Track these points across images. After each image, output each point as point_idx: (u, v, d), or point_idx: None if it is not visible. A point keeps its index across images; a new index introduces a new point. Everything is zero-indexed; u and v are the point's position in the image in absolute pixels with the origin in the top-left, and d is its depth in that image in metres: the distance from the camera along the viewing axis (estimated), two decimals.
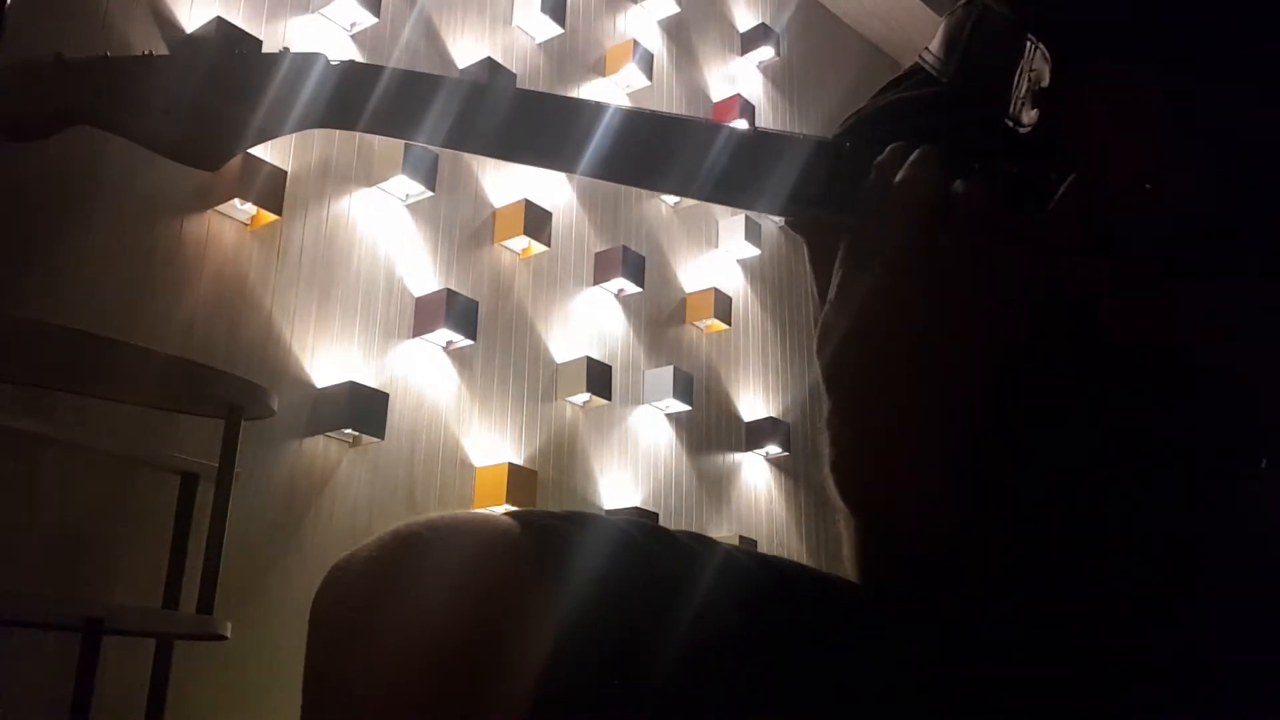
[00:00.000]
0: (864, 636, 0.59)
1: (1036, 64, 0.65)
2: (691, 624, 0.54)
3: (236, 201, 2.55)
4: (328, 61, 0.63)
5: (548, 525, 0.54)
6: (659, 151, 0.63)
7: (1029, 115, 0.65)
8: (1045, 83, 0.64)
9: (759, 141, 0.63)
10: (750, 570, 0.61)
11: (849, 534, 0.65)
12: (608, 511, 3.20)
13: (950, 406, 0.60)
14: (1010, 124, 0.66)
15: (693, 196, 0.65)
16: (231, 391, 1.99)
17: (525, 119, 0.64)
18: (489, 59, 3.17)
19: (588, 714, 0.50)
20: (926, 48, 0.75)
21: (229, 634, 1.94)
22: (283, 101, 0.62)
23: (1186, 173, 0.61)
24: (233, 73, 0.62)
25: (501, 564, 0.51)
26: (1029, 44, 0.65)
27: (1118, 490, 0.66)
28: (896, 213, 0.59)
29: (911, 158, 0.60)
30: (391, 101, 0.62)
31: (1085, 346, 0.63)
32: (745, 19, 4.22)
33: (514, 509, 0.56)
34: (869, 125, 0.76)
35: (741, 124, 3.83)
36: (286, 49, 0.64)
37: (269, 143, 2.74)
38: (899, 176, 0.60)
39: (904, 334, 0.59)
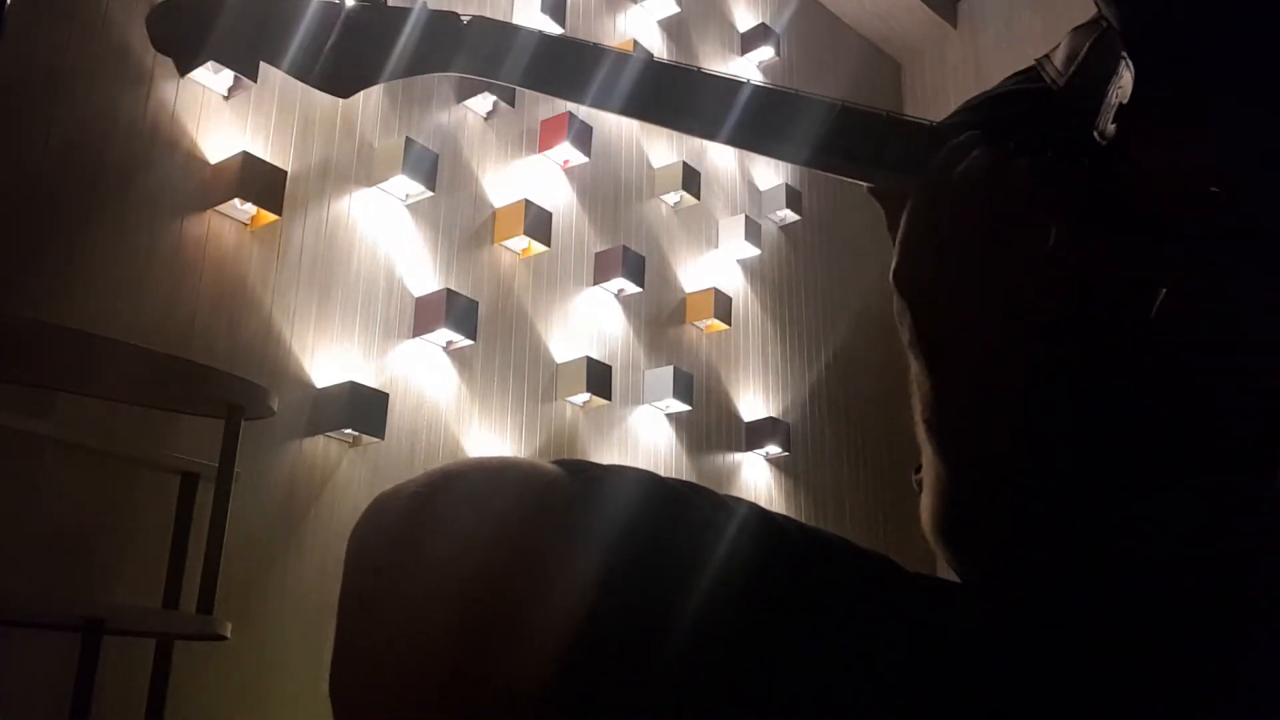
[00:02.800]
0: (884, 609, 0.59)
1: (1125, 81, 0.69)
2: (728, 576, 0.54)
3: (236, 201, 2.54)
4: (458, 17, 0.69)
5: (591, 473, 0.54)
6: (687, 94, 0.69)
7: (1110, 129, 0.69)
8: (1126, 99, 0.68)
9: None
10: (787, 530, 0.61)
11: (930, 482, 0.71)
12: None
13: (1009, 370, 0.66)
14: (1096, 135, 0.70)
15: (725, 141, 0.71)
16: (231, 391, 1.99)
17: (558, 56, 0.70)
18: None
19: (623, 657, 0.49)
20: (1048, 55, 0.81)
21: (229, 634, 1.94)
22: (414, 47, 0.68)
23: (1251, 180, 0.64)
24: (381, 18, 0.68)
25: (544, 507, 0.51)
26: (1123, 62, 0.70)
27: (1144, 482, 0.66)
28: (954, 193, 0.64)
29: (976, 150, 0.65)
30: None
31: (1136, 331, 0.64)
32: (745, 19, 4.22)
33: (558, 458, 0.56)
34: (986, 107, 0.82)
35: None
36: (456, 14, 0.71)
37: (269, 143, 2.73)
38: (962, 166, 0.64)
39: (961, 306, 0.65)
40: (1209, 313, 0.62)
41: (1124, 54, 0.71)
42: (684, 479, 0.60)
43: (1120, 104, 0.69)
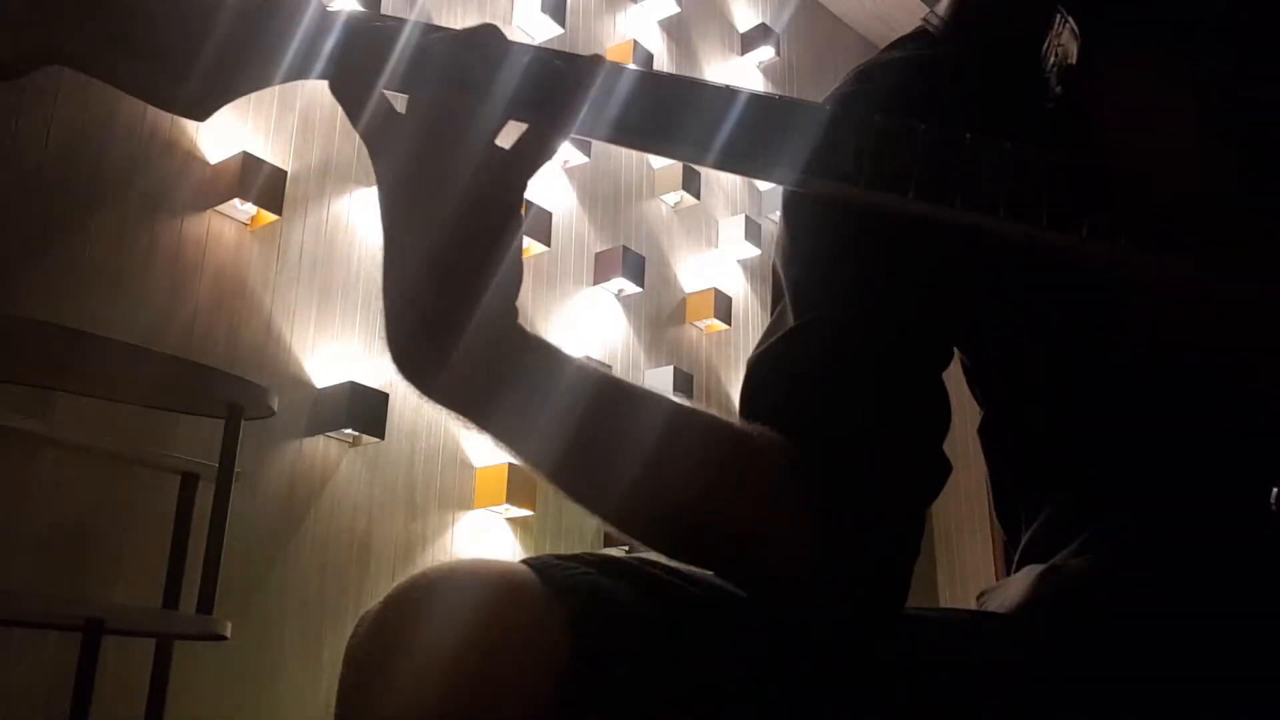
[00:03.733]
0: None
1: (1065, 39, 0.62)
2: (703, 649, 0.54)
3: (236, 202, 2.55)
4: (323, 6, 0.58)
5: (556, 566, 0.54)
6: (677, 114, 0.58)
7: (1055, 90, 0.63)
8: (1073, 60, 0.61)
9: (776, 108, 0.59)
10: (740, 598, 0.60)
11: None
12: None
13: None
14: (1034, 96, 0.64)
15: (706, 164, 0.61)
16: (231, 391, 1.99)
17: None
18: None
19: None
20: (933, 10, 0.74)
21: (229, 634, 1.94)
22: (279, 52, 0.57)
23: (1226, 153, 0.59)
24: (224, 18, 0.57)
25: (512, 603, 0.51)
26: (1059, 17, 0.63)
27: (1127, 491, 0.65)
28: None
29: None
30: (392, 57, 0.57)
31: (1115, 335, 0.62)
32: (745, 19, 4.22)
33: (526, 557, 0.56)
34: (871, 75, 0.76)
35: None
36: None
37: (269, 143, 2.73)
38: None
39: None
40: (1193, 313, 0.57)
41: (1059, 9, 0.63)
42: (640, 555, 0.59)
43: (1067, 65, 0.62)
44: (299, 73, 0.57)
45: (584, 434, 0.57)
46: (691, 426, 0.60)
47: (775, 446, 0.61)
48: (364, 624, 0.53)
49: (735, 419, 0.63)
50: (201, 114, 0.57)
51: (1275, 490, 0.53)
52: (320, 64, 0.57)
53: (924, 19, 0.75)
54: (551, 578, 0.53)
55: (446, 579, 0.53)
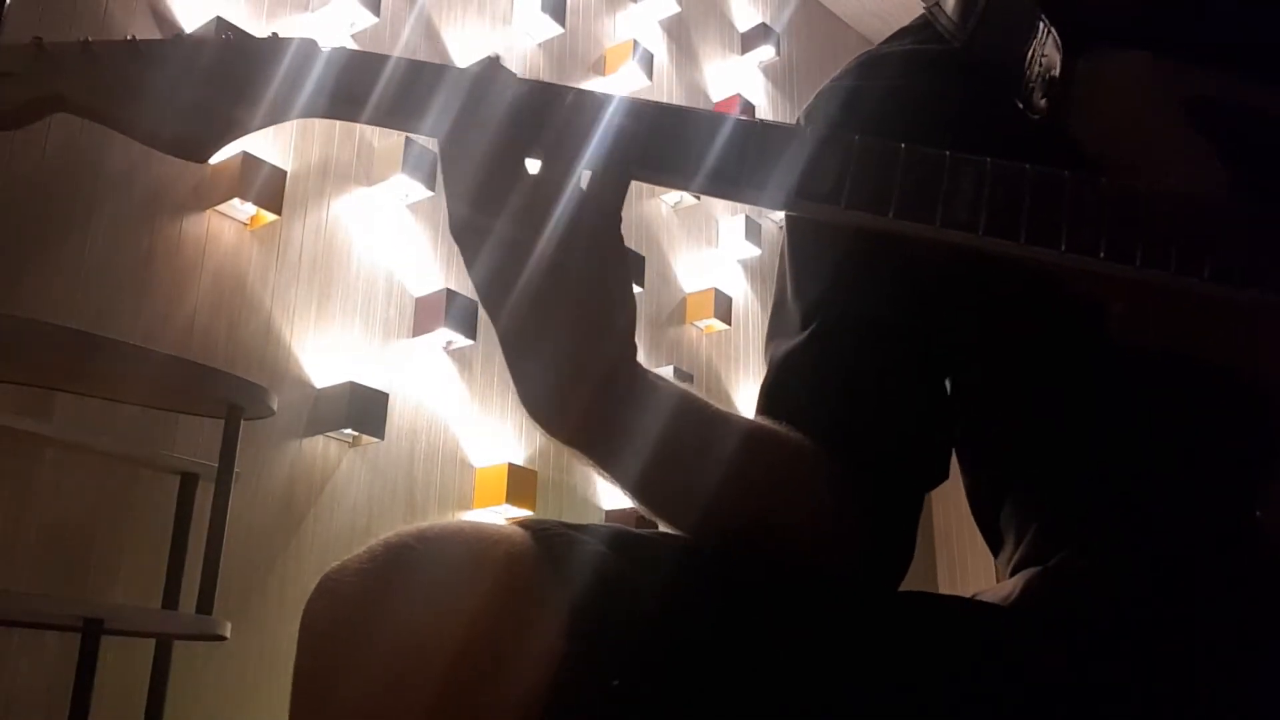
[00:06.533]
0: (845, 615, 0.58)
1: (1048, 49, 0.62)
2: (688, 617, 0.52)
3: (236, 201, 2.55)
4: (319, 48, 0.59)
5: (540, 531, 0.52)
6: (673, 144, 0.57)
7: (1040, 102, 0.63)
8: (1056, 72, 0.62)
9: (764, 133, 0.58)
10: (739, 560, 0.60)
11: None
12: (607, 513, 3.20)
13: None
14: (1020, 106, 0.64)
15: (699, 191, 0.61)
16: (231, 391, 1.98)
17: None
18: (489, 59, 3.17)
19: (594, 715, 0.48)
20: (938, 3, 0.73)
21: (228, 634, 1.94)
22: (279, 91, 0.58)
23: (1212, 166, 0.58)
24: (223, 62, 0.58)
25: (493, 572, 0.49)
26: (1041, 26, 0.63)
27: (1118, 498, 0.65)
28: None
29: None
30: (394, 93, 0.57)
31: (1093, 348, 0.62)
32: (745, 18, 4.22)
33: (512, 518, 0.53)
34: (875, 67, 0.76)
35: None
36: (275, 34, 0.60)
37: (269, 143, 2.73)
38: None
39: None
40: (1177, 324, 0.55)
41: (1042, 18, 0.63)
42: (627, 527, 0.57)
43: (1051, 77, 0.61)
44: (306, 111, 0.57)
45: (671, 454, 0.59)
46: (761, 442, 0.64)
47: (811, 451, 0.66)
48: (332, 594, 0.50)
49: (773, 425, 0.67)
50: (203, 156, 0.57)
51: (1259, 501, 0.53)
52: (326, 101, 0.58)
53: (930, 10, 0.74)
54: (557, 557, 0.50)
55: (430, 555, 0.49)
